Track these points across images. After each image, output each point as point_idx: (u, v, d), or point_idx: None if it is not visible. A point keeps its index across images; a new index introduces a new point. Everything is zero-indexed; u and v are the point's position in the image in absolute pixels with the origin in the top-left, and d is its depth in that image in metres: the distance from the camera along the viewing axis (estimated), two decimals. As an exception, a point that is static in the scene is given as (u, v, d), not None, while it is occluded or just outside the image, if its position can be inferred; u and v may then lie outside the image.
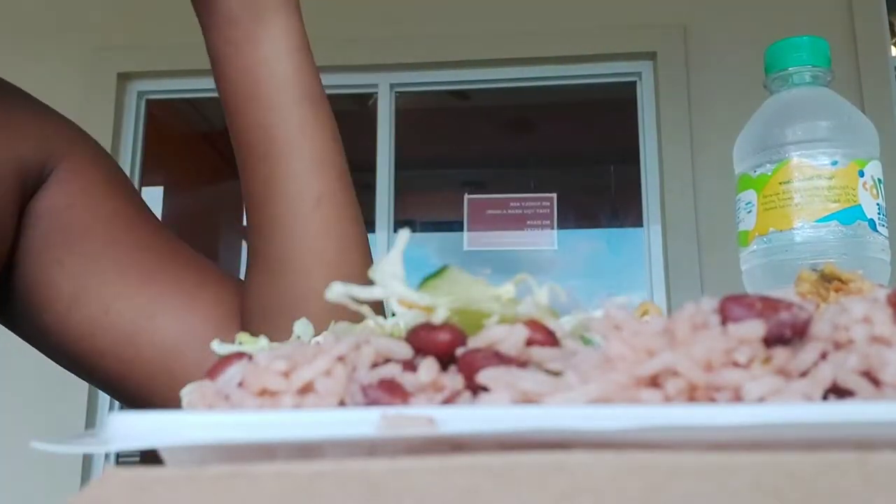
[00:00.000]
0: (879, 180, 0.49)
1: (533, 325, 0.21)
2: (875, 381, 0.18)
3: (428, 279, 0.24)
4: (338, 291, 0.22)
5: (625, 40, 2.51)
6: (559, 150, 3.56)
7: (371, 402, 0.19)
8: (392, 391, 0.19)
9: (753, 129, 0.51)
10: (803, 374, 0.18)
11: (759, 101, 0.52)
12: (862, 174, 0.47)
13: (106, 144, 2.51)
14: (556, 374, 0.19)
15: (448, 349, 0.20)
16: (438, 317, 0.22)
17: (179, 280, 0.52)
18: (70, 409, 2.33)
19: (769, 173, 0.48)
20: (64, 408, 2.32)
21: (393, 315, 0.24)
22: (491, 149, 4.04)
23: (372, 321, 0.25)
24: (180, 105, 3.15)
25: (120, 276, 0.50)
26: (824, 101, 0.50)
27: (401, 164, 2.63)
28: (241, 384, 0.20)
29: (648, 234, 2.48)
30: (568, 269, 2.91)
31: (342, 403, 0.20)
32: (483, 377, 0.19)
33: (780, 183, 0.48)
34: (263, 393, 0.20)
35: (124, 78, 2.59)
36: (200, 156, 3.89)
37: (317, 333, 0.28)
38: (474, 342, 0.20)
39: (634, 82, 2.57)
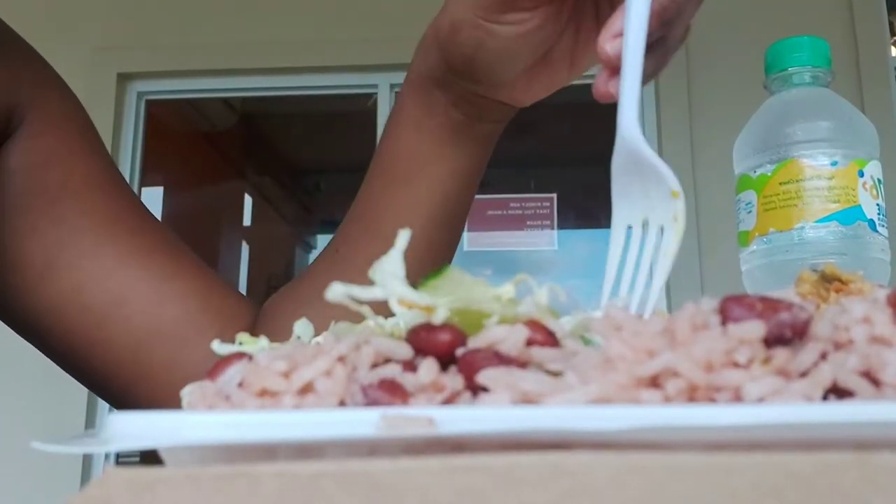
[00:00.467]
0: (879, 180, 0.49)
1: (533, 325, 0.21)
2: (875, 382, 0.18)
3: (428, 279, 0.24)
4: (338, 291, 0.22)
5: (625, 40, 2.51)
6: (559, 150, 3.55)
7: (371, 402, 0.19)
8: (392, 391, 0.19)
9: (753, 130, 0.51)
10: (803, 375, 0.18)
11: (759, 101, 0.52)
12: (862, 174, 0.47)
13: (106, 144, 2.51)
14: (557, 374, 0.19)
15: (448, 349, 0.20)
16: (438, 317, 0.22)
17: (152, 266, 0.50)
18: (70, 410, 2.32)
19: (769, 174, 0.48)
20: (64, 408, 2.32)
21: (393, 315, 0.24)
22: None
23: (372, 321, 0.25)
24: (180, 105, 3.15)
25: (94, 253, 0.49)
26: (824, 102, 0.50)
27: (401, 164, 2.62)
28: (241, 384, 0.20)
29: (648, 234, 2.47)
30: (568, 269, 2.91)
31: (342, 404, 0.20)
32: (483, 377, 0.19)
33: (781, 183, 0.48)
34: (264, 393, 0.20)
35: (124, 78, 2.59)
36: (200, 156, 3.89)
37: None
38: (474, 342, 0.20)
39: (634, 82, 2.57)
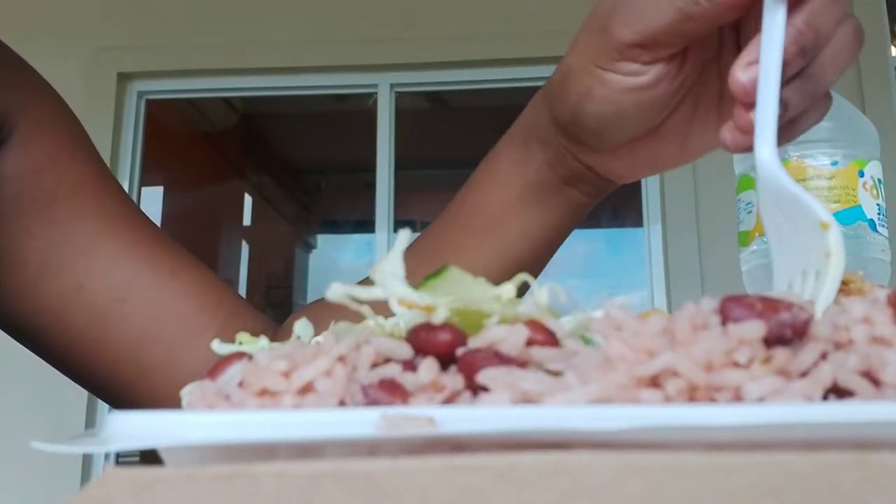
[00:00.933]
0: (879, 180, 0.49)
1: (533, 325, 0.21)
2: (875, 382, 0.18)
3: (428, 279, 0.24)
4: (338, 292, 0.22)
5: (625, 40, 2.51)
6: (559, 151, 3.55)
7: (371, 402, 0.19)
8: (392, 391, 0.19)
9: (753, 130, 0.51)
10: (803, 375, 0.18)
11: (759, 101, 0.52)
12: (862, 174, 0.48)
13: (106, 144, 2.51)
14: (557, 374, 0.19)
15: (448, 349, 0.20)
16: (439, 317, 0.22)
17: (151, 263, 0.50)
18: (70, 410, 2.32)
19: (769, 173, 0.48)
20: (64, 408, 2.31)
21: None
22: (491, 149, 4.03)
23: (372, 321, 0.25)
24: (180, 105, 3.15)
25: (91, 252, 0.49)
26: (824, 102, 0.50)
27: (401, 164, 2.62)
28: (241, 384, 0.20)
29: (648, 234, 2.48)
30: (568, 269, 2.91)
31: (342, 403, 0.20)
32: (483, 377, 0.19)
33: (780, 183, 0.48)
34: (264, 393, 0.20)
35: (124, 78, 2.59)
36: (200, 156, 3.89)
37: None
38: (474, 342, 0.20)
39: (634, 82, 2.57)
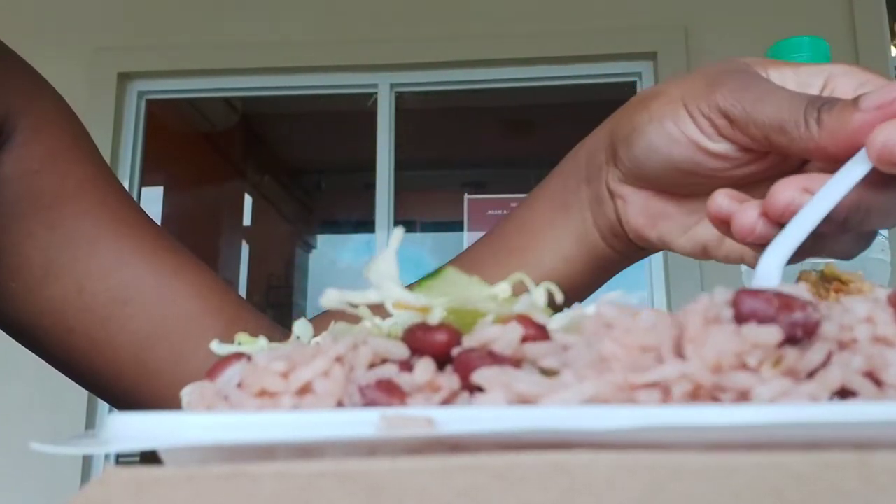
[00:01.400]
0: (879, 180, 0.49)
1: (522, 319, 0.21)
2: (877, 382, 0.18)
3: (424, 280, 0.24)
4: (333, 297, 0.22)
5: (625, 40, 2.51)
6: (559, 151, 3.54)
7: (369, 402, 0.19)
8: (389, 392, 0.19)
9: (753, 129, 0.51)
10: (810, 375, 0.18)
11: (759, 100, 0.52)
12: (862, 174, 0.47)
13: (106, 144, 2.51)
14: (552, 372, 0.19)
15: (444, 349, 0.20)
16: (434, 317, 0.22)
17: (154, 264, 0.50)
18: (70, 410, 2.33)
19: (769, 173, 0.48)
20: (64, 408, 2.32)
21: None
22: (491, 149, 4.04)
23: (369, 322, 0.25)
24: (180, 105, 3.15)
25: (94, 253, 0.49)
26: (824, 101, 0.50)
27: (401, 164, 2.62)
28: (240, 385, 0.20)
29: (648, 234, 2.47)
30: (568, 269, 2.91)
31: (340, 404, 0.20)
32: (477, 377, 0.19)
33: (781, 183, 0.48)
34: (262, 394, 0.20)
35: (124, 78, 2.59)
36: (200, 156, 3.89)
37: None
38: (468, 341, 0.20)
39: (634, 82, 2.57)
